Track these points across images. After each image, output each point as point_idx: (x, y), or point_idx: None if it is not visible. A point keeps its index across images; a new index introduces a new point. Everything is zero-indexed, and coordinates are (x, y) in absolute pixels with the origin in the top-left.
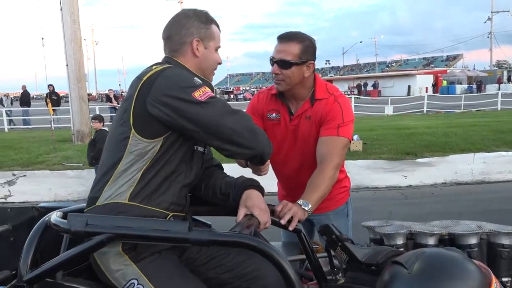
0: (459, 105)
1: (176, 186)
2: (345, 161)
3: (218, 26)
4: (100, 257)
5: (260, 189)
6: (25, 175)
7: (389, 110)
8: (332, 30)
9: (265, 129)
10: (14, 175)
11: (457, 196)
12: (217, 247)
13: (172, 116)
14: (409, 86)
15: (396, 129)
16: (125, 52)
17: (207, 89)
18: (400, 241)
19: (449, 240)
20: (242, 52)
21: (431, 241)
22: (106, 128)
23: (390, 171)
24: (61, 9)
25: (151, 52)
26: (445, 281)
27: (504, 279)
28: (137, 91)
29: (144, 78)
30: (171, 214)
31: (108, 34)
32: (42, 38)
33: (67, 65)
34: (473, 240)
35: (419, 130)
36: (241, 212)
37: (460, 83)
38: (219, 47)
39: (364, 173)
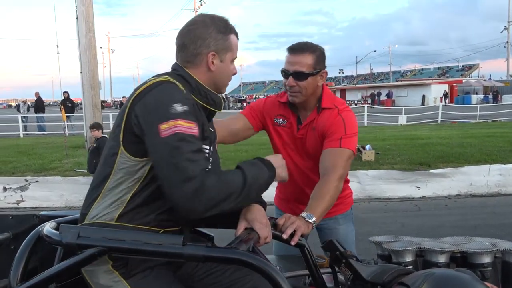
0: (474, 115)
1: (168, 205)
2: (357, 171)
3: (237, 35)
4: (90, 274)
5: (261, 203)
6: (37, 181)
7: (402, 120)
8: (345, 40)
9: (271, 133)
10: (26, 180)
11: (472, 209)
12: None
13: (140, 136)
14: (423, 96)
15: (409, 139)
16: (141, 60)
17: (179, 122)
18: (409, 258)
19: (461, 258)
20: (255, 61)
21: (442, 259)
22: (106, 135)
23: (403, 182)
24: (77, 18)
25: (166, 60)
26: None
27: None
28: (129, 104)
29: (137, 92)
30: (162, 230)
31: (124, 42)
32: (57, 46)
33: (81, 72)
34: (486, 259)
35: (433, 140)
36: (241, 226)
37: (476, 93)
38: (236, 57)
39: (376, 184)
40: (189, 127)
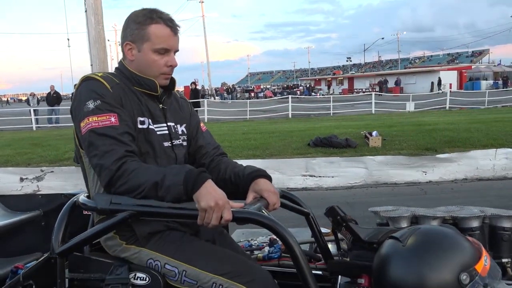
0: (483, 101)
1: None
2: (364, 156)
3: (168, 24)
4: (117, 253)
5: (267, 177)
6: (52, 171)
7: (410, 106)
8: (352, 27)
9: None
10: (42, 171)
11: (478, 192)
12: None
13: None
14: (432, 83)
15: (416, 125)
16: None
17: (91, 119)
18: (404, 224)
19: (452, 224)
20: (262, 51)
21: (434, 223)
22: None
23: (410, 167)
24: (86, 11)
25: None
26: (436, 253)
27: (505, 260)
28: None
29: (76, 86)
30: None
31: None
32: (68, 39)
33: (91, 65)
34: (475, 223)
35: (440, 126)
36: (250, 196)
37: (486, 79)
38: (163, 48)
39: (383, 169)
40: (101, 121)
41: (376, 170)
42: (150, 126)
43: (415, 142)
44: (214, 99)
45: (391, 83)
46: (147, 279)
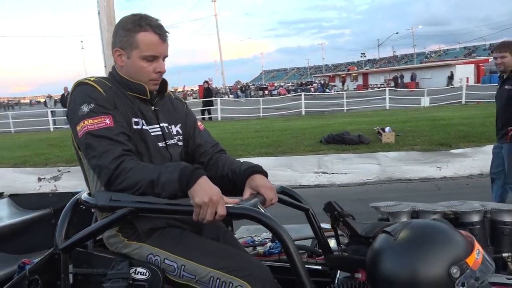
0: None
1: None
2: (377, 152)
3: (156, 32)
4: (119, 250)
5: (262, 172)
6: (69, 171)
7: (425, 101)
8: (366, 23)
9: None
10: (59, 171)
11: None
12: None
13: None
14: (448, 77)
15: (431, 121)
16: None
17: (86, 122)
18: (404, 219)
19: (454, 219)
20: (276, 48)
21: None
22: None
23: (424, 163)
24: (98, 13)
25: (187, 51)
26: (426, 246)
27: (505, 254)
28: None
29: (70, 91)
30: None
31: None
32: (82, 41)
33: (105, 66)
34: (475, 218)
35: (455, 121)
36: (247, 193)
37: None
38: (152, 55)
39: (397, 165)
40: (96, 123)
41: (389, 166)
42: (144, 127)
43: (429, 137)
44: (228, 97)
45: (407, 78)
46: (147, 273)
